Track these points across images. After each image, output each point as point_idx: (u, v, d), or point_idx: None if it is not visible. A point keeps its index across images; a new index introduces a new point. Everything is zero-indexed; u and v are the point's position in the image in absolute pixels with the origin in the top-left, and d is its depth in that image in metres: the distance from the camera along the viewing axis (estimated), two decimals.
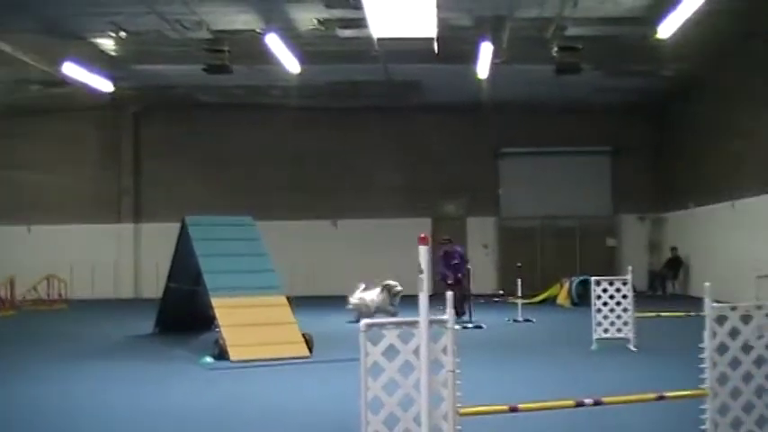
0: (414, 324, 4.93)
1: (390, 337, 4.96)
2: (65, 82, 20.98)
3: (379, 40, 16.71)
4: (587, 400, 5.54)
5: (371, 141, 25.71)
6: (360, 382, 4.88)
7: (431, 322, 4.86)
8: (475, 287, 15.91)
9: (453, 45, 17.49)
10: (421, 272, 4.77)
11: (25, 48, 18.37)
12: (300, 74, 19.48)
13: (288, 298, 12.14)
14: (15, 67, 19.53)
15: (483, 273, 23.34)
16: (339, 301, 22.25)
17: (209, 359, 10.84)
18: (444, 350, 4.99)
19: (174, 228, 13.87)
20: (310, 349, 11.28)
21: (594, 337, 11.35)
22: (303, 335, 11.47)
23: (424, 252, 4.79)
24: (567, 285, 20.35)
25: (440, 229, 24.65)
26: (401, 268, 24.12)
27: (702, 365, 5.29)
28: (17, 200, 24.33)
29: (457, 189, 25.68)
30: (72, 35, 17.49)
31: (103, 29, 17.07)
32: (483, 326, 14.98)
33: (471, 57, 17.83)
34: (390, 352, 4.97)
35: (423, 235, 4.86)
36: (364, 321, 4.94)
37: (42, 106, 24.52)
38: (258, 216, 14.07)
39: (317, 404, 8.08)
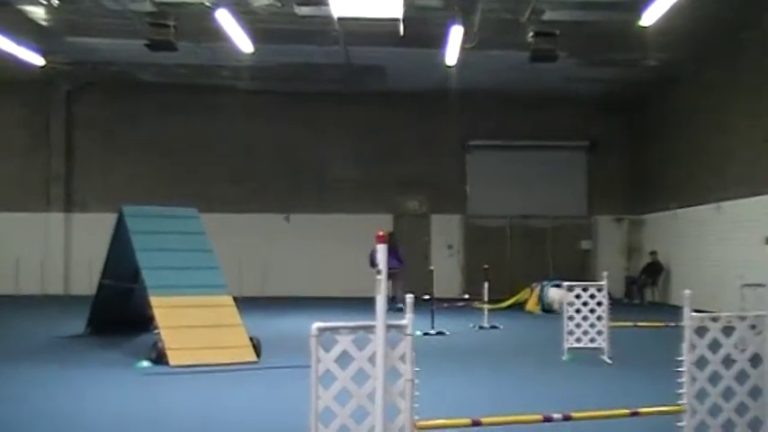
0: (370, 329, 4.93)
1: (344, 342, 4.95)
2: None
3: (339, 19, 16.68)
4: (556, 415, 5.61)
5: (328, 130, 25.66)
6: (310, 390, 4.86)
7: (388, 327, 4.86)
8: (437, 290, 15.99)
9: (420, 27, 17.53)
10: (379, 272, 4.77)
11: None
12: (252, 54, 19.37)
13: (234, 298, 12.06)
14: None
15: (447, 275, 23.47)
16: (291, 301, 22.28)
17: (145, 363, 10.74)
18: (402, 357, 5.00)
19: (110, 218, 13.68)
20: (258, 354, 11.22)
21: (566, 346, 11.45)
22: (250, 338, 11.41)
23: (382, 251, 4.79)
24: (537, 290, 20.53)
25: (401, 227, 24.77)
26: (358, 267, 24.36)
27: (680, 380, 5.36)
28: None
29: (420, 184, 25.76)
30: None
31: None
32: (446, 332, 15.05)
33: (439, 41, 17.88)
34: (344, 359, 4.96)
35: (381, 233, 4.86)
36: (316, 325, 4.92)
37: None
38: (203, 208, 13.95)
39: (263, 414, 8.05)
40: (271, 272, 24.38)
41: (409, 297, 5.07)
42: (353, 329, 5.00)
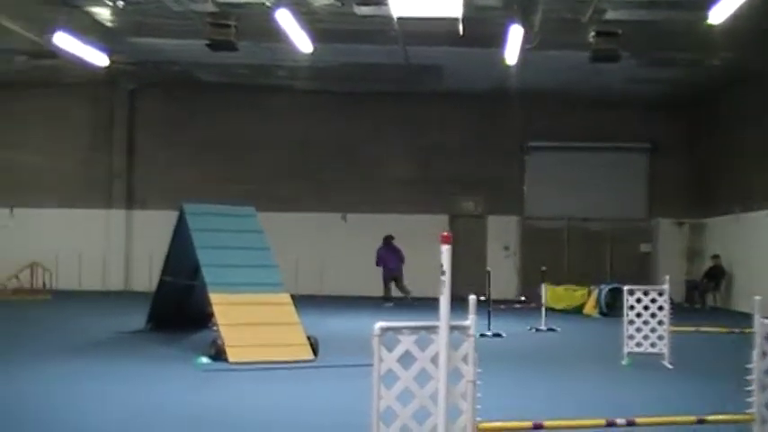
0: (433, 329, 4.92)
1: (406, 342, 4.95)
2: (55, 54, 21.03)
3: (399, 19, 16.68)
4: (619, 420, 5.53)
5: (386, 130, 25.70)
6: (372, 390, 4.87)
7: (451, 328, 4.86)
8: (493, 292, 15.94)
9: (480, 27, 17.44)
10: (443, 273, 4.76)
11: (12, 14, 18.41)
12: (311, 54, 19.47)
13: (292, 296, 12.15)
14: (0, 35, 19.60)
15: (503, 277, 23.32)
16: (347, 301, 22.38)
17: (204, 360, 10.86)
18: (465, 359, 4.99)
19: (169, 215, 13.89)
20: (315, 352, 11.29)
21: (626, 350, 11.31)
22: (308, 337, 11.48)
23: (446, 252, 4.78)
24: (595, 293, 20.31)
25: (457, 228, 24.72)
26: (414, 267, 24.35)
27: (749, 388, 5.25)
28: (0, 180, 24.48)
29: (477, 185, 25.65)
30: (65, 2, 17.51)
31: None
32: (502, 334, 14.97)
33: (499, 41, 17.76)
34: (406, 359, 4.96)
35: (445, 233, 4.85)
36: (379, 325, 4.93)
37: (29, 80, 24.61)
38: (260, 207, 14.09)
39: (322, 413, 8.08)
40: (327, 271, 24.49)
41: (472, 298, 5.05)
42: (416, 329, 5.01)
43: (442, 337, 4.79)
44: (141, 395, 8.79)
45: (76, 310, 19.32)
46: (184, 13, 17.49)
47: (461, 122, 25.50)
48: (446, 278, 4.75)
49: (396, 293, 22.73)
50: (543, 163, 25.91)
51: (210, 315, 13.83)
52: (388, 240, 23.06)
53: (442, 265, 4.77)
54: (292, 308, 11.90)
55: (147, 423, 7.57)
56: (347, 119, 25.64)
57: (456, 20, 16.50)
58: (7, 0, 17.57)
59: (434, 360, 4.91)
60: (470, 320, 4.99)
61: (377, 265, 22.84)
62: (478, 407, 5.00)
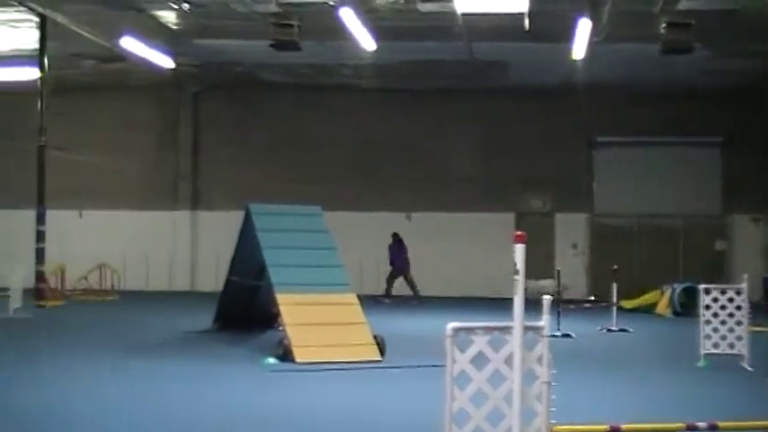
0: (506, 330, 4.87)
1: (479, 343, 4.90)
2: (122, 57, 21.49)
3: (463, 15, 16.60)
4: (701, 424, 5.41)
5: (451, 127, 25.59)
6: (444, 391, 4.84)
7: (525, 328, 4.80)
8: (566, 291, 15.81)
9: (546, 21, 17.25)
10: (516, 272, 4.70)
11: (81, 19, 18.86)
12: (375, 52, 19.50)
13: (358, 296, 12.19)
14: (69, 40, 20.06)
15: (572, 275, 23.02)
16: (412, 300, 22.37)
17: (272, 360, 10.96)
18: (539, 360, 4.92)
19: (234, 216, 14.04)
20: (382, 353, 11.30)
21: (702, 352, 11.07)
22: (374, 337, 11.49)
23: (520, 251, 4.72)
24: (668, 292, 19.93)
25: (524, 226, 24.48)
26: (480, 266, 24.25)
27: None
28: (68, 183, 24.95)
29: (544, 182, 25.38)
30: (131, 6, 17.86)
31: (165, 0, 17.38)
32: (572, 335, 14.78)
33: (566, 35, 17.55)
34: (479, 360, 4.92)
35: (519, 233, 4.79)
36: (451, 325, 4.89)
37: (96, 83, 25.16)
38: (324, 206, 14.14)
39: (391, 414, 8.07)
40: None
41: (546, 298, 4.98)
42: (489, 330, 4.95)
43: (516, 338, 4.74)
44: (209, 395, 8.90)
45: (144, 310, 19.65)
46: (248, 14, 17.68)
47: (527, 118, 25.25)
48: (520, 277, 4.69)
49: (400, 292, 23.04)
50: (612, 158, 25.52)
51: (276, 315, 13.99)
52: (396, 237, 23.59)
53: (515, 265, 4.71)
54: (359, 308, 11.94)
55: (215, 423, 7.65)
56: (411, 117, 25.61)
57: (522, 15, 16.36)
58: (77, 7, 17.99)
59: (508, 361, 4.86)
60: (544, 321, 4.93)
61: (390, 264, 23.61)
62: (553, 409, 4.93)
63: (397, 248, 23.53)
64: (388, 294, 23.18)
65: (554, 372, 4.99)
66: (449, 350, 4.81)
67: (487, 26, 17.74)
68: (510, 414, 4.80)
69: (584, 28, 16.70)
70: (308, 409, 8.26)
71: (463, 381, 4.87)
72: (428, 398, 8.36)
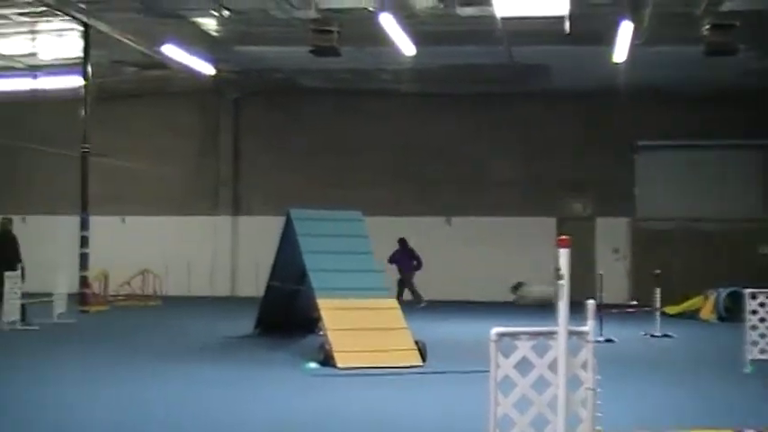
0: (550, 335, 4.85)
1: (523, 348, 4.89)
2: (163, 64, 21.75)
3: (503, 19, 16.56)
4: (748, 431, 5.33)
5: (490, 131, 25.53)
6: (488, 396, 4.84)
7: (570, 333, 4.78)
8: (604, 296, 15.64)
9: (587, 24, 17.16)
10: (560, 277, 4.69)
11: (123, 28, 19.14)
12: (414, 56, 19.52)
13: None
14: (112, 48, 20.37)
15: (614, 280, 22.81)
16: (452, 305, 22.31)
17: (313, 365, 11.00)
18: (584, 365, 4.90)
19: (274, 221, 14.11)
20: (423, 358, 11.29)
21: (748, 357, 10.92)
22: (415, 342, 11.49)
23: (564, 255, 4.71)
24: (712, 297, 19.68)
25: (565, 230, 24.33)
26: (522, 271, 24.13)
27: None
28: (111, 189, 25.29)
29: (585, 186, 25.20)
30: (172, 14, 18.09)
31: (206, 7, 17.57)
32: (614, 339, 14.66)
33: (607, 37, 17.44)
34: (523, 365, 4.91)
35: (563, 237, 4.78)
36: (495, 330, 4.89)
37: (138, 90, 25.47)
38: (364, 210, 14.18)
39: (434, 420, 8.06)
40: (432, 275, 24.43)
41: (591, 303, 4.95)
42: (533, 335, 4.94)
43: (560, 343, 4.72)
44: (251, 399, 8.96)
45: (185, 315, 19.84)
46: (288, 20, 17.80)
47: (568, 122, 25.11)
48: (564, 282, 4.68)
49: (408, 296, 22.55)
50: (654, 162, 25.26)
51: (317, 320, 14.05)
52: (403, 243, 23.04)
53: (559, 269, 4.69)
54: (399, 313, 11.95)
55: (257, 427, 7.71)
56: (450, 121, 25.58)
57: (562, 18, 16.28)
58: (119, 15, 18.25)
59: (552, 366, 4.84)
60: (589, 326, 4.90)
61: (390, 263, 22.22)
62: (599, 415, 4.90)
63: (404, 254, 22.92)
64: (418, 300, 22.30)
65: (599, 377, 4.97)
66: (493, 355, 4.80)
67: (527, 30, 17.67)
68: (554, 420, 4.78)
69: (625, 30, 16.58)
70: (349, 415, 8.28)
71: (507, 386, 4.86)
72: (470, 403, 8.36)
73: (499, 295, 23.62)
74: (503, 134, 25.46)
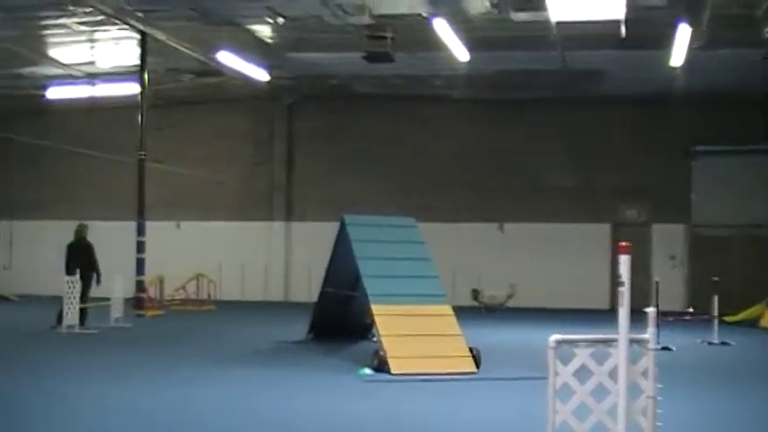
0: (609, 342, 4.82)
1: (582, 355, 4.87)
2: (218, 71, 22.04)
3: (558, 23, 16.46)
4: None
5: (544, 137, 25.37)
6: (546, 404, 4.82)
7: (630, 341, 4.74)
8: (661, 303, 15.43)
9: (643, 28, 16.96)
10: (621, 284, 4.66)
11: (179, 35, 19.44)
12: (468, 62, 19.49)
13: (453, 308, 12.18)
14: (168, 55, 20.70)
15: (670, 287, 22.48)
16: (505, 312, 22.22)
17: (367, 371, 11.01)
18: (644, 373, 4.85)
19: (327, 227, 14.17)
20: (477, 365, 11.26)
21: None
22: (469, 349, 11.46)
23: (625, 262, 4.67)
24: None
25: (620, 237, 24.07)
26: (576, 278, 23.92)
27: None
28: (166, 194, 25.68)
29: (640, 192, 24.90)
30: (227, 22, 18.31)
31: (260, 14, 17.75)
32: (671, 347, 14.45)
33: (664, 41, 17.24)
34: (581, 373, 4.88)
35: (623, 243, 4.74)
36: (554, 337, 4.87)
37: (193, 97, 25.82)
38: (417, 217, 14.18)
39: (487, 426, 8.03)
40: (484, 282, 24.37)
41: (651, 310, 4.91)
42: (592, 342, 4.92)
43: (621, 351, 4.69)
44: (305, 405, 9.01)
45: (240, 320, 20.03)
46: (342, 26, 17.90)
47: (623, 128, 24.82)
48: (625, 289, 4.64)
49: None
50: (711, 168, 24.81)
51: (370, 326, 14.09)
52: None
53: (620, 276, 4.66)
54: (454, 319, 11.92)
55: (309, 430, 7.74)
56: (504, 127, 25.48)
57: (618, 22, 16.13)
58: (175, 23, 18.54)
59: (612, 374, 4.81)
60: (649, 333, 4.86)
61: None
62: (659, 424, 4.85)
63: None
64: None
65: (659, 386, 4.92)
66: (551, 363, 4.79)
67: (581, 34, 17.55)
68: (614, 428, 4.75)
69: (683, 34, 16.36)
70: (404, 421, 8.28)
71: (565, 394, 4.84)
72: (526, 410, 8.33)
73: (552, 302, 23.44)
74: (556, 140, 25.27)
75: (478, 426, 8.09)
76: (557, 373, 4.79)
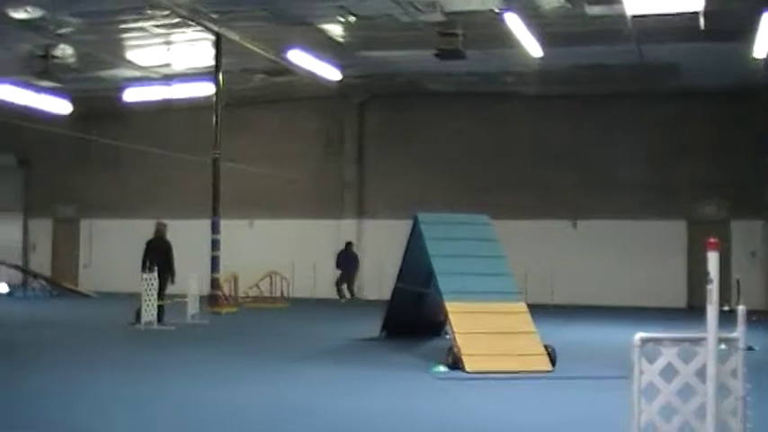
0: (696, 341, 4.71)
1: (668, 354, 4.77)
2: (289, 71, 22.24)
3: (633, 17, 16.19)
4: None
5: (617, 132, 24.94)
6: (629, 403, 4.73)
7: (720, 340, 4.62)
8: (743, 301, 15.06)
9: (723, 20, 16.58)
10: (710, 281, 4.54)
11: (252, 36, 19.69)
12: (541, 58, 19.30)
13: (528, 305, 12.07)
14: (241, 56, 20.97)
15: (751, 285, 21.94)
16: (579, 310, 21.94)
17: (441, 368, 10.99)
18: (733, 373, 4.73)
19: (398, 225, 14.17)
20: (553, 363, 11.14)
21: None
22: (545, 347, 11.35)
23: (714, 259, 4.56)
24: None
25: (697, 234, 23.60)
26: (650, 275, 23.50)
27: None
28: (239, 193, 26.00)
29: (718, 187, 24.29)
30: (299, 21, 18.46)
31: (332, 13, 17.86)
32: (755, 347, 14.05)
33: (745, 33, 16.81)
34: (666, 372, 4.78)
35: (712, 240, 4.63)
36: (639, 335, 4.78)
37: (264, 96, 26.12)
38: (489, 214, 14.09)
39: (565, 426, 7.92)
40: (557, 280, 24.13)
41: (741, 308, 4.78)
42: (677, 341, 4.81)
43: (710, 350, 4.58)
44: (379, 402, 9.02)
45: (312, 317, 20.18)
46: (413, 24, 17.90)
47: (699, 122, 24.26)
48: (714, 286, 4.53)
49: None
50: None
51: (443, 323, 14.06)
52: (348, 246, 25.51)
53: (708, 274, 4.55)
54: (528, 317, 11.81)
55: (385, 428, 7.75)
56: (576, 123, 25.15)
57: (696, 14, 15.78)
58: (248, 24, 18.78)
59: (699, 374, 4.70)
60: (739, 332, 4.73)
61: (337, 268, 25.52)
62: (749, 425, 4.72)
63: (349, 256, 25.39)
64: (342, 296, 25.29)
65: (749, 386, 4.80)
66: (636, 361, 4.70)
67: (658, 27, 17.23)
68: (701, 429, 4.64)
69: (766, 24, 15.92)
70: (479, 419, 8.23)
71: (649, 393, 4.74)
72: (606, 410, 8.20)
73: (626, 300, 23.09)
74: (631, 135, 24.82)
75: (557, 425, 7.99)
76: (642, 372, 4.69)
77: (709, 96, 23.62)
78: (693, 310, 22.53)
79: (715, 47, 18.93)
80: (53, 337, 15.27)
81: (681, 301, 23.59)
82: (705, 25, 16.60)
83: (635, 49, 19.54)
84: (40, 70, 21.49)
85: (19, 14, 17.93)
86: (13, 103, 23.69)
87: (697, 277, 23.56)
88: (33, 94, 23.86)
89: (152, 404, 8.73)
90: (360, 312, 20.19)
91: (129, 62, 22.38)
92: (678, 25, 16.88)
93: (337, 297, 25.18)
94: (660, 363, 4.73)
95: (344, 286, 25.39)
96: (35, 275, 27.57)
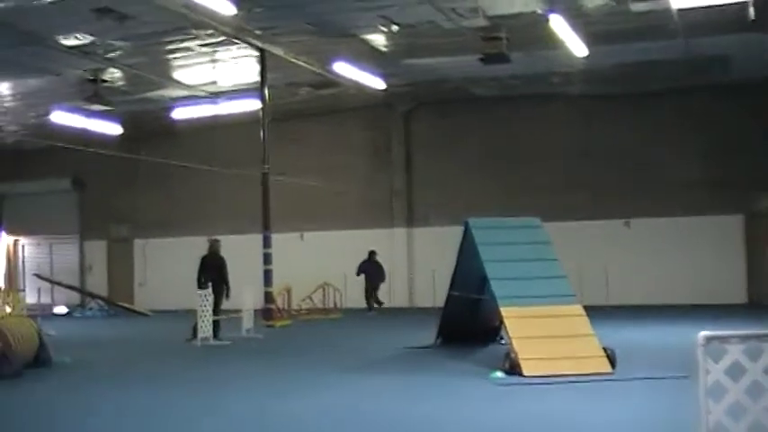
0: (763, 338, 4.60)
1: (734, 352, 4.66)
2: (334, 82, 22.35)
3: (679, 11, 15.97)
4: None
5: (667, 128, 24.62)
6: (696, 404, 4.64)
7: None
8: None
9: None
10: None
11: (296, 50, 19.83)
12: (586, 57, 19.12)
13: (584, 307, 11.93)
14: (286, 70, 21.13)
15: None
16: (635, 310, 21.65)
17: (499, 374, 10.90)
18: None
19: (449, 231, 14.11)
20: (613, 365, 10.99)
21: None
22: (603, 349, 11.20)
23: None
24: None
25: (755, 228, 23.18)
26: (707, 272, 23.10)
27: None
28: (289, 207, 26.15)
29: None
30: (342, 32, 18.55)
31: (374, 23, 17.92)
32: None
33: None
34: (733, 370, 4.68)
35: None
36: (703, 334, 4.68)
37: (311, 109, 26.28)
38: (541, 217, 13.97)
39: (629, 428, 7.80)
40: (612, 280, 23.85)
41: None
42: (743, 338, 4.70)
43: None
44: (440, 410, 8.96)
45: (366, 327, 20.19)
46: (456, 30, 17.87)
47: (752, 115, 23.81)
48: None
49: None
50: None
51: (498, 328, 13.98)
52: (371, 255, 24.86)
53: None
54: (586, 319, 11.66)
55: None
56: (624, 121, 24.86)
57: (746, 4, 15.51)
58: (292, 38, 18.91)
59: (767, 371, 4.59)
60: None
61: (357, 275, 24.80)
62: None
63: (372, 265, 24.78)
64: (370, 307, 24.51)
65: None
66: (701, 360, 4.60)
67: (705, 20, 16.98)
68: None
69: None
70: (542, 424, 8.14)
71: (716, 393, 4.64)
72: (670, 411, 8.07)
73: (683, 298, 22.73)
74: (681, 131, 24.49)
75: (622, 427, 7.86)
76: (708, 372, 4.59)
77: (760, 88, 23.19)
78: (754, 306, 22.13)
79: (766, 38, 18.57)
80: (113, 355, 15.48)
81: (741, 297, 23.17)
82: (755, 15, 16.29)
83: (682, 44, 19.27)
84: (90, 94, 21.89)
85: (69, 41, 18.31)
86: (66, 128, 24.17)
87: (757, 271, 23.14)
88: (84, 119, 24.31)
89: (212, 417, 8.79)
90: (414, 321, 20.14)
91: (176, 82, 22.69)
92: (726, 17, 16.62)
93: (366, 307, 24.63)
94: (726, 361, 4.63)
95: (372, 297, 24.90)
96: (92, 296, 28.05)
